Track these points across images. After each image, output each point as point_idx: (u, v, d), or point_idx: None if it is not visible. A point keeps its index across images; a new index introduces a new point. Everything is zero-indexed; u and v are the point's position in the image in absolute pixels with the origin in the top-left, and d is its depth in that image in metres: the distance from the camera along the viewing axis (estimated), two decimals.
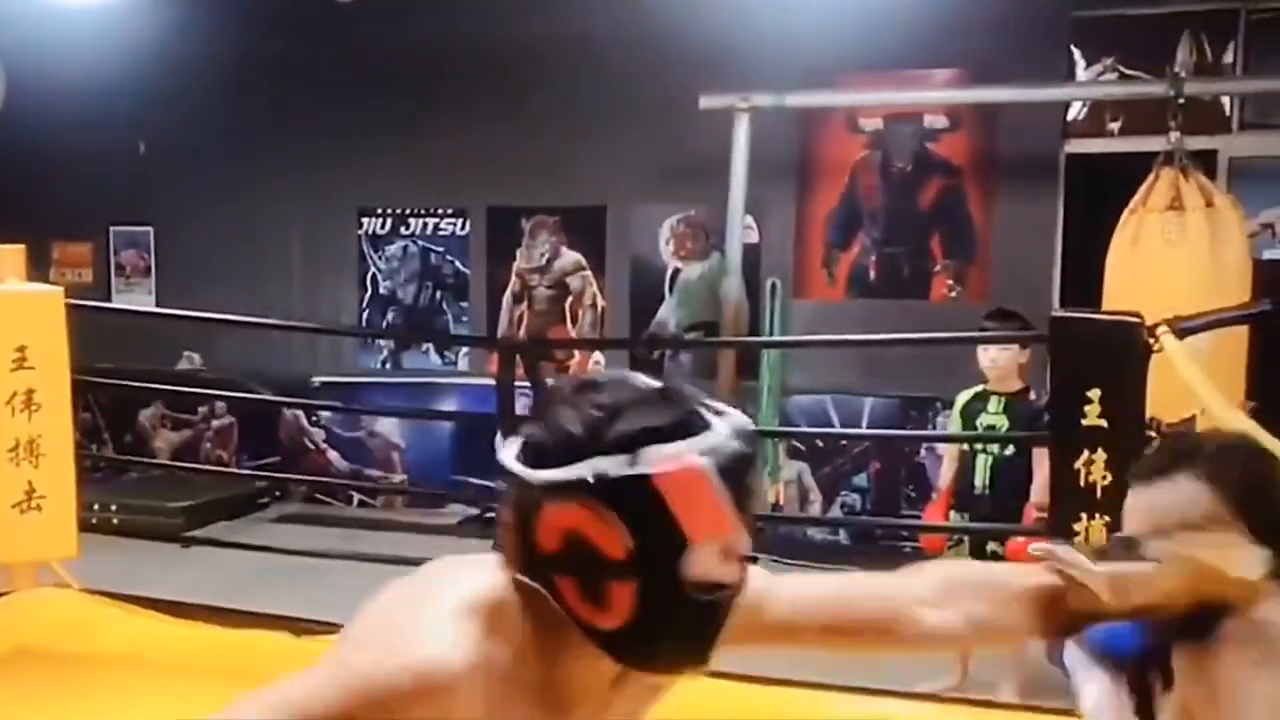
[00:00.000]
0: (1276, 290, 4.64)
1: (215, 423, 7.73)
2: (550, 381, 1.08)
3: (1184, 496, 1.55)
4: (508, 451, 1.26)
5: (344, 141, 7.21)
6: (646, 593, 1.20)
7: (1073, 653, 1.68)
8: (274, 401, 7.28)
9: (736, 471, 1.22)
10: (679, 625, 1.24)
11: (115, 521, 6.34)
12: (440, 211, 7.38)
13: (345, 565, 5.33)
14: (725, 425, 1.23)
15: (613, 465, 1.19)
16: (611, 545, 1.19)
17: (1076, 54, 6.05)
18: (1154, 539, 1.53)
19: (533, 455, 1.24)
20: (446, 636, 1.20)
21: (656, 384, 1.25)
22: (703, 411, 1.24)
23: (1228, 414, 2.57)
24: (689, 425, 1.22)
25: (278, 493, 7.50)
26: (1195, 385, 2.90)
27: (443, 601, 1.24)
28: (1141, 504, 1.60)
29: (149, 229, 7.87)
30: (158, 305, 7.67)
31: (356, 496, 7.53)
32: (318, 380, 7.38)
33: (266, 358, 7.29)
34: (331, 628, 4.45)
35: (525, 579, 1.25)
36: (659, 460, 1.19)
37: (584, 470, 1.19)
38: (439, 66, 6.95)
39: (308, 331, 7.32)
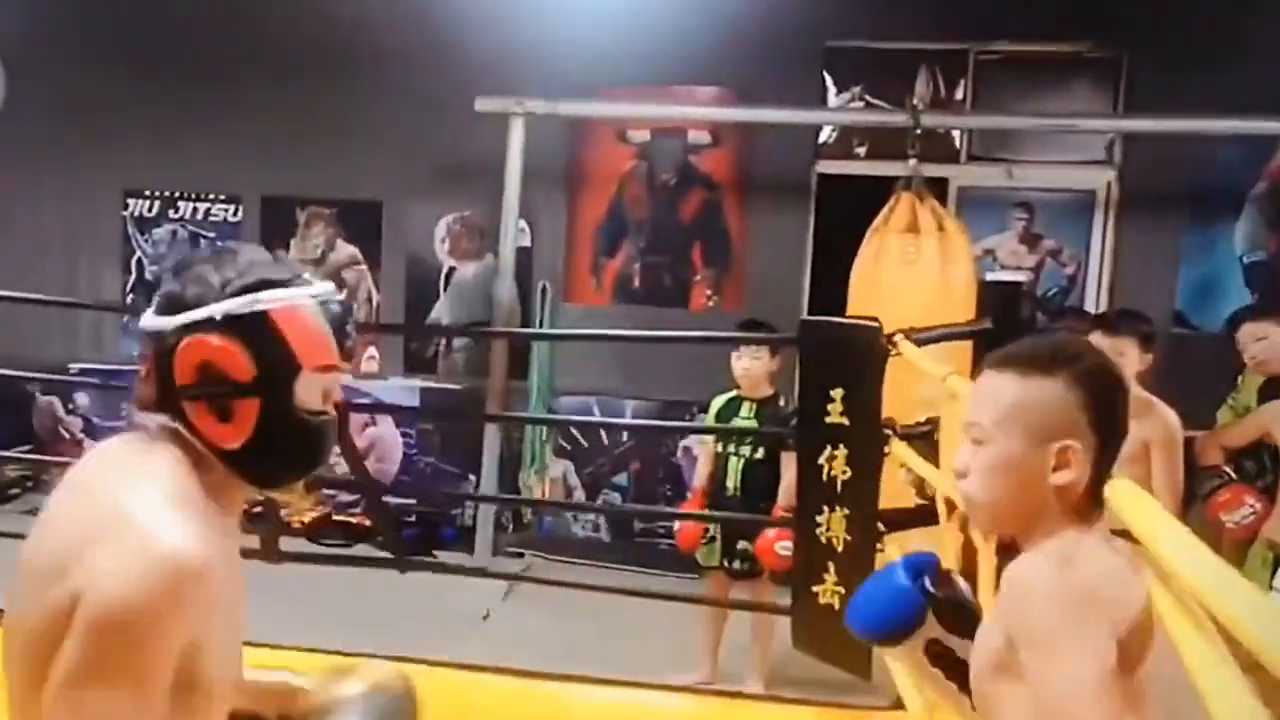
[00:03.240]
0: (995, 310, 5.14)
1: None
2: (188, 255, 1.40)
3: (1053, 399, 1.58)
4: (145, 316, 1.49)
5: (113, 120, 6.98)
6: (266, 411, 1.45)
7: None
8: (28, 377, 6.89)
9: (337, 317, 1.51)
10: (290, 443, 1.49)
11: None
12: (212, 197, 7.23)
13: None
14: (326, 286, 1.53)
15: (238, 304, 1.45)
16: (238, 369, 1.44)
17: (828, 81, 6.45)
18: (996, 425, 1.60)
19: (169, 308, 1.47)
20: (176, 529, 1.35)
21: (272, 254, 1.53)
22: (308, 276, 1.53)
23: (957, 386, 2.98)
24: (299, 281, 1.51)
25: (29, 483, 7.22)
26: (931, 373, 3.26)
27: (144, 497, 1.39)
28: (1007, 394, 1.60)
29: None
30: None
31: None
32: (76, 367, 7.12)
33: (20, 341, 6.88)
34: None
35: (162, 419, 1.46)
36: (276, 300, 1.47)
37: (214, 309, 1.45)
38: (217, 50, 6.80)
39: (66, 307, 6.92)
